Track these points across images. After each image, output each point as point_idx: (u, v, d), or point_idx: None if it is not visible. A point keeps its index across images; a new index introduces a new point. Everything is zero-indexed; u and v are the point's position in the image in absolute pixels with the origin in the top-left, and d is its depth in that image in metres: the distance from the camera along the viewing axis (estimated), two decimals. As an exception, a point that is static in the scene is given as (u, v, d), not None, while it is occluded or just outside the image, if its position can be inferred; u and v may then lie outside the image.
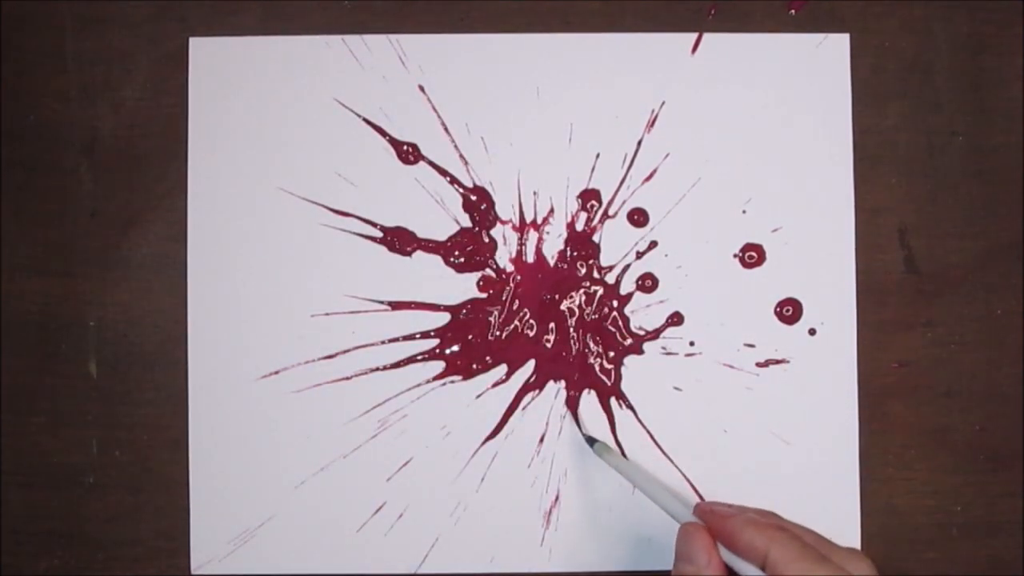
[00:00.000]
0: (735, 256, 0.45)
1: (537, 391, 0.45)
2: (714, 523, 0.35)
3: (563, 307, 0.45)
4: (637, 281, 0.45)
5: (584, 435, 0.44)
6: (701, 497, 0.45)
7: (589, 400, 0.45)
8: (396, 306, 0.45)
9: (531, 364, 0.45)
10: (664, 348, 0.45)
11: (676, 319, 0.45)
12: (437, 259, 0.45)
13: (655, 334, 0.45)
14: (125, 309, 0.45)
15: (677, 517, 0.37)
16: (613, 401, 0.45)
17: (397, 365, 0.45)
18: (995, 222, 0.46)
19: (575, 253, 0.45)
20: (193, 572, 0.44)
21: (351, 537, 0.45)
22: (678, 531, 0.36)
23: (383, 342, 0.45)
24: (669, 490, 0.40)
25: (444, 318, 0.45)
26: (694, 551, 0.35)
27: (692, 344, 0.45)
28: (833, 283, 0.45)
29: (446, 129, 0.45)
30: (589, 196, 0.45)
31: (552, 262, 0.45)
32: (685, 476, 0.45)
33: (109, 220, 0.45)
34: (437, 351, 0.45)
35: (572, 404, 0.45)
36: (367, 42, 0.45)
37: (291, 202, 0.45)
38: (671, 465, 0.45)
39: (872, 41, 0.46)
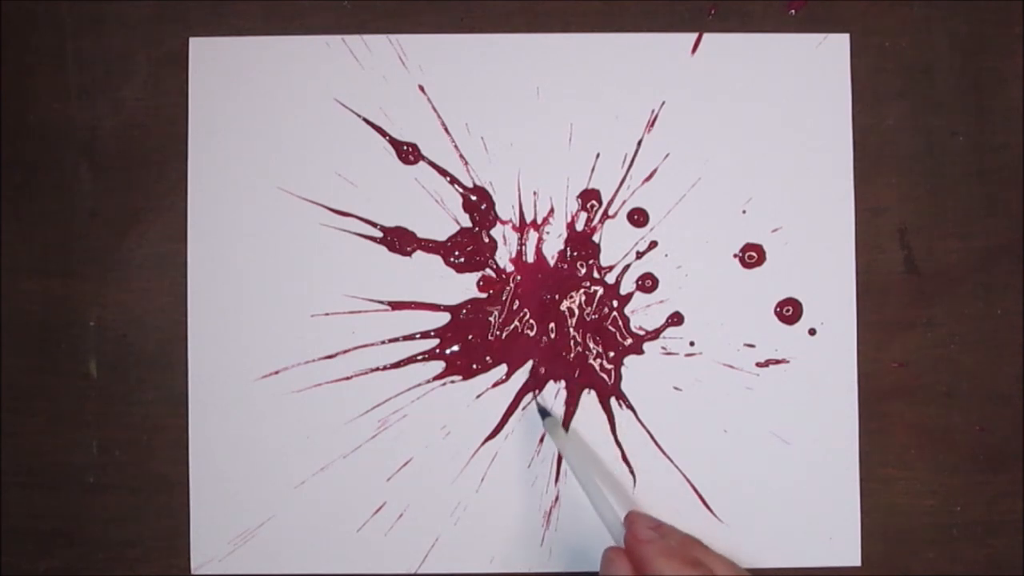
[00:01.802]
0: (735, 256, 0.45)
1: (537, 391, 0.45)
2: (631, 544, 0.38)
3: (563, 307, 0.45)
4: (637, 281, 0.45)
5: (539, 405, 0.44)
6: (701, 496, 0.45)
7: (589, 400, 0.45)
8: (396, 306, 0.45)
9: (531, 364, 0.45)
10: (664, 348, 0.45)
11: (676, 319, 0.45)
12: (437, 259, 0.45)
13: (655, 334, 0.45)
14: (125, 309, 0.45)
15: (606, 522, 0.39)
16: (613, 401, 0.45)
17: (397, 365, 0.45)
18: (995, 222, 0.46)
19: (575, 253, 0.45)
20: (193, 572, 0.44)
21: (351, 537, 0.45)
22: (603, 553, 0.38)
23: (383, 342, 0.45)
24: (603, 493, 0.41)
25: (444, 318, 0.45)
26: None
27: (692, 344, 0.45)
28: (833, 283, 0.45)
29: (446, 129, 0.45)
30: (589, 196, 0.45)
31: (552, 262, 0.45)
32: (685, 476, 0.45)
33: (109, 220, 0.45)
34: (437, 351, 0.45)
35: (534, 386, 0.45)
36: (367, 42, 0.45)
37: (291, 202, 0.45)
38: (671, 465, 0.45)
39: (872, 41, 0.46)
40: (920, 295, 0.45)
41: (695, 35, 0.45)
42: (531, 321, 0.45)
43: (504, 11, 0.46)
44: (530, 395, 0.44)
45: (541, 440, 0.45)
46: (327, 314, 0.45)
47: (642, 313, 0.45)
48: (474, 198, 0.45)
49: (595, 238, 0.45)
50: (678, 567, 0.36)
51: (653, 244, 0.45)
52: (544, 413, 0.44)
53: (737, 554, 0.44)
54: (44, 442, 0.45)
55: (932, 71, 0.46)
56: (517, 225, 0.45)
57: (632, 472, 0.45)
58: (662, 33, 0.46)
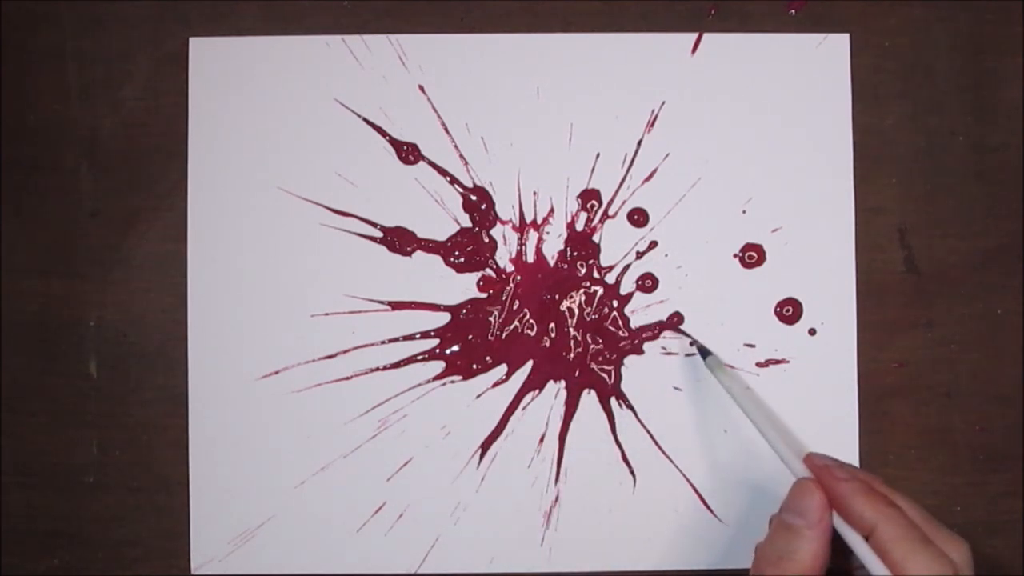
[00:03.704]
0: (735, 256, 0.45)
1: (537, 391, 0.45)
2: (826, 483, 0.36)
3: (563, 307, 0.45)
4: (637, 281, 0.45)
5: (696, 344, 0.44)
6: (701, 496, 0.45)
7: (589, 400, 0.45)
8: (396, 306, 0.45)
9: (531, 364, 0.45)
10: (664, 348, 0.45)
11: (676, 319, 0.45)
12: (437, 259, 0.45)
13: (655, 334, 0.45)
14: (125, 309, 0.45)
15: (788, 464, 0.38)
16: (613, 401, 0.45)
17: (397, 365, 0.45)
18: (995, 222, 0.46)
19: (575, 253, 0.45)
20: (193, 572, 0.44)
21: (351, 537, 0.45)
22: (794, 484, 0.36)
23: (383, 342, 0.45)
24: (781, 430, 0.40)
25: (444, 318, 0.45)
26: (807, 508, 0.35)
27: (692, 344, 0.45)
28: (833, 283, 0.45)
29: (446, 129, 0.45)
30: (589, 196, 0.45)
31: (552, 262, 0.45)
32: (685, 476, 0.45)
33: (109, 220, 0.45)
34: (437, 351, 0.45)
35: (674, 323, 0.45)
36: (367, 42, 0.45)
37: (291, 202, 0.45)
38: (671, 465, 0.45)
39: (872, 41, 0.46)
40: (920, 295, 0.45)
41: (695, 35, 0.45)
42: (531, 321, 0.45)
43: (504, 11, 0.46)
44: (684, 339, 0.44)
45: (541, 440, 0.45)
46: (327, 314, 0.45)
47: (642, 313, 0.45)
48: (474, 198, 0.45)
49: (595, 238, 0.45)
50: (876, 506, 0.34)
51: (653, 244, 0.45)
52: (704, 353, 0.43)
53: (737, 554, 0.44)
54: (44, 442, 0.45)
55: (932, 71, 0.46)
56: (517, 225, 0.45)
57: (632, 472, 0.45)
58: (662, 33, 0.46)
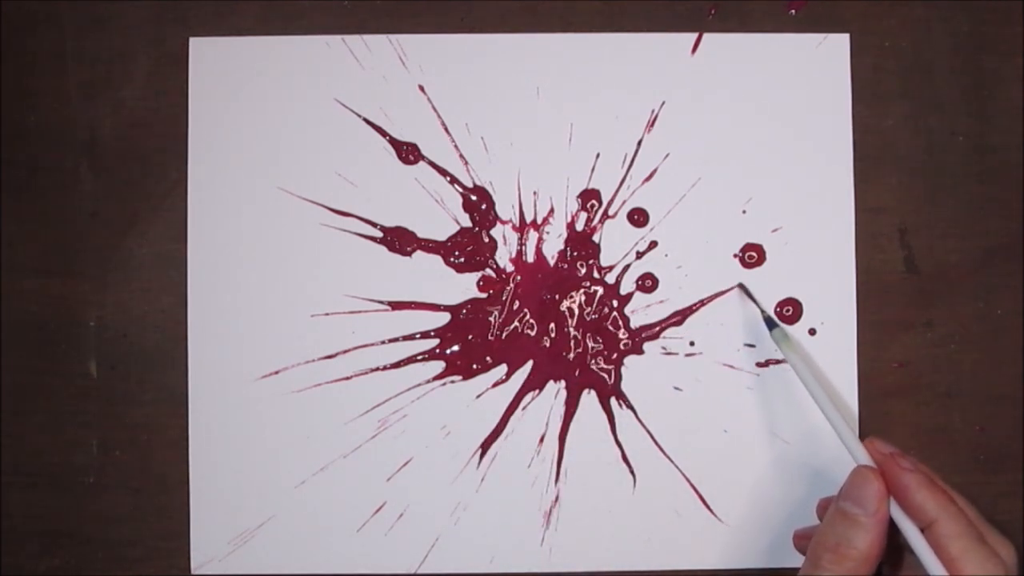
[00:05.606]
0: (735, 256, 0.45)
1: (537, 391, 0.45)
2: (889, 471, 0.36)
3: (563, 307, 0.45)
4: (637, 281, 0.45)
5: (764, 315, 0.44)
6: (701, 496, 0.45)
7: (589, 400, 0.45)
8: (396, 306, 0.45)
9: (531, 364, 0.45)
10: (664, 348, 0.45)
11: (676, 319, 0.45)
12: (437, 259, 0.45)
13: (655, 334, 0.45)
14: (125, 309, 0.45)
15: (849, 448, 0.37)
16: (613, 401, 0.45)
17: (397, 365, 0.45)
18: (995, 222, 0.46)
19: (575, 253, 0.45)
20: (193, 572, 0.44)
21: (351, 537, 0.45)
22: (853, 470, 0.37)
23: (383, 342, 0.45)
24: (844, 411, 0.40)
25: (444, 318, 0.45)
26: (866, 496, 0.35)
27: (692, 344, 0.45)
28: (833, 283, 0.45)
29: (446, 129, 0.45)
30: (589, 196, 0.45)
31: (552, 262, 0.45)
32: (685, 476, 0.45)
33: (109, 220, 0.45)
34: (437, 351, 0.45)
35: (742, 287, 0.45)
36: (367, 42, 0.45)
37: (291, 202, 0.45)
38: (671, 465, 0.45)
39: (872, 41, 0.46)
40: (920, 295, 0.45)
41: (695, 35, 0.45)
42: (531, 321, 0.45)
43: (504, 11, 0.46)
44: (754, 307, 0.44)
45: (541, 440, 0.45)
46: (327, 314, 0.45)
47: (642, 313, 0.45)
48: (474, 198, 0.45)
49: (595, 238, 0.45)
50: (939, 500, 0.35)
51: (653, 244, 0.45)
52: (771, 324, 0.43)
53: (737, 554, 0.44)
54: (44, 442, 0.45)
55: (932, 71, 0.46)
56: (517, 225, 0.45)
57: (632, 472, 0.45)
58: (662, 33, 0.46)
